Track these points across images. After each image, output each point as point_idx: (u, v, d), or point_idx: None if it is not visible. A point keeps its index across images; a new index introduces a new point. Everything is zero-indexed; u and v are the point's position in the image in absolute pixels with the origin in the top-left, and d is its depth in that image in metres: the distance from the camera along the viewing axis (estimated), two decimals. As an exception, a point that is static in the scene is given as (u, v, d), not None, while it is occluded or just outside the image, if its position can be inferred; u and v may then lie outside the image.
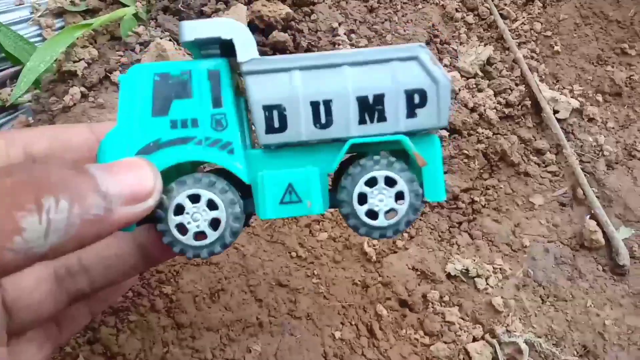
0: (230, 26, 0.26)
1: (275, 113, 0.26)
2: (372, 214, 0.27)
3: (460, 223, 0.57)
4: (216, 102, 0.27)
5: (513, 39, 0.64)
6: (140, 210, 0.25)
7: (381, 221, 0.27)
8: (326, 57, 0.26)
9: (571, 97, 0.62)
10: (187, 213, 0.27)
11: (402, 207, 0.27)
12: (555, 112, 0.61)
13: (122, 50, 0.58)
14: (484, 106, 0.60)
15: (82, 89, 0.54)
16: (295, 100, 0.26)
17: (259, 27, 0.61)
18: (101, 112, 0.53)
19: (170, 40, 0.58)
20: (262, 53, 0.59)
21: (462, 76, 0.62)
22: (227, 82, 0.27)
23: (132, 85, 0.27)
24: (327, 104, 0.26)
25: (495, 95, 0.61)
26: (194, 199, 0.27)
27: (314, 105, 0.26)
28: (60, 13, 0.63)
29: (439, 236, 0.57)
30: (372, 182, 0.27)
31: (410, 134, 0.27)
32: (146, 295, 0.49)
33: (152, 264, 0.38)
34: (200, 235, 0.27)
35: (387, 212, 0.27)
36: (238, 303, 0.51)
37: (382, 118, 0.26)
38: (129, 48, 0.59)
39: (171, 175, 0.27)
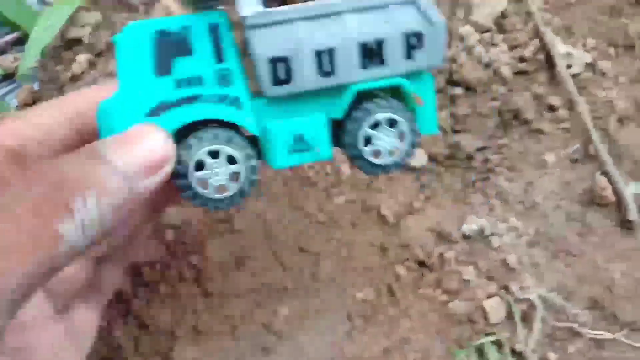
0: None
1: (281, 65, 0.26)
2: (377, 154, 0.29)
3: (474, 182, 0.58)
4: (219, 57, 0.27)
5: (527, -11, 0.63)
6: (160, 179, 0.26)
7: (385, 159, 0.29)
8: (328, 7, 0.27)
9: (584, 50, 0.62)
10: (208, 168, 0.27)
11: (403, 145, 0.29)
12: (569, 66, 0.61)
13: (126, 12, 0.56)
14: (498, 62, 0.59)
15: (89, 56, 0.52)
16: (300, 51, 0.26)
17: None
18: (112, 83, 0.52)
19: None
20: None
21: (476, 30, 0.61)
22: (229, 35, 0.27)
23: (131, 45, 0.26)
24: (331, 52, 0.27)
25: (510, 49, 0.60)
26: (214, 154, 0.27)
27: (318, 54, 0.27)
28: (57, -28, 0.59)
29: (454, 196, 0.58)
30: (375, 125, 0.28)
31: (408, 74, 0.28)
32: (174, 267, 0.50)
33: (157, 213, 0.40)
34: (221, 188, 0.28)
35: (390, 151, 0.29)
36: (263, 269, 0.53)
37: (382, 62, 0.28)
38: (132, 9, 0.56)
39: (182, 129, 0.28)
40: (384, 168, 0.30)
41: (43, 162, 0.27)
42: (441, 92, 0.59)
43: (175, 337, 0.48)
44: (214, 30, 0.27)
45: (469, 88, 0.59)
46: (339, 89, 0.28)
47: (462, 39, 0.60)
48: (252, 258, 0.53)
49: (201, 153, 0.27)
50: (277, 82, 0.27)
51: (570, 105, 0.60)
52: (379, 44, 0.27)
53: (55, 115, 0.30)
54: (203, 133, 0.27)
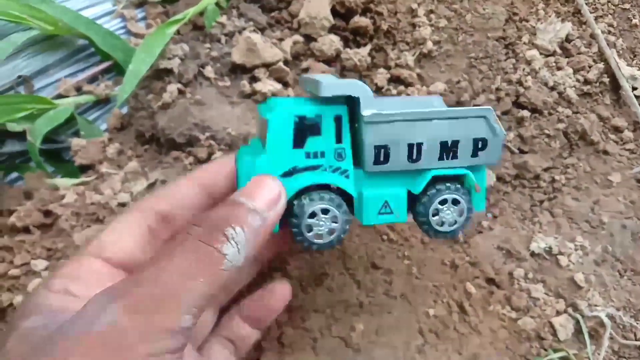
0: (358, 86, 0.35)
1: (382, 151, 0.36)
2: (441, 224, 0.38)
3: (541, 202, 0.60)
4: (338, 139, 0.36)
5: (590, 12, 0.64)
6: (279, 210, 0.34)
7: (446, 228, 0.38)
8: (422, 114, 0.36)
9: (649, 72, 0.63)
10: (317, 219, 0.36)
11: (461, 219, 0.38)
12: (634, 89, 0.62)
13: (209, 42, 0.60)
14: (563, 85, 0.61)
15: (179, 85, 0.56)
16: (396, 142, 0.36)
17: (340, 12, 0.62)
18: (201, 109, 0.55)
19: (255, 31, 0.59)
20: (343, 38, 0.61)
21: (541, 54, 0.63)
22: (347, 125, 0.36)
23: (279, 124, 0.35)
24: (419, 145, 0.36)
25: (574, 72, 0.62)
26: (325, 211, 0.36)
27: (410, 146, 0.36)
28: (140, 3, 0.64)
29: (522, 215, 0.60)
30: (443, 202, 0.37)
31: (471, 168, 0.37)
32: (259, 283, 0.53)
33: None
34: (318, 236, 0.36)
35: (451, 222, 0.38)
36: (339, 286, 0.55)
37: (455, 156, 0.37)
38: (214, 39, 0.60)
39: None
40: (445, 235, 0.38)
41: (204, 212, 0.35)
42: (508, 114, 0.61)
43: (262, 349, 0.52)
44: (337, 119, 0.36)
45: (535, 110, 0.61)
46: (420, 172, 0.37)
47: (527, 62, 0.62)
48: (329, 276, 0.55)
49: (317, 207, 0.36)
50: (377, 162, 0.36)
51: (635, 126, 0.61)
52: (455, 143, 0.36)
53: (191, 186, 0.40)
54: (323, 193, 0.36)
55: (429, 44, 0.61)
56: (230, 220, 0.31)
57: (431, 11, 0.63)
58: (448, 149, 0.36)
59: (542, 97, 0.60)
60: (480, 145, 0.37)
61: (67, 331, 0.27)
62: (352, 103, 0.36)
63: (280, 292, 0.46)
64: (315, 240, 0.37)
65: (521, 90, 0.60)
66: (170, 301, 0.27)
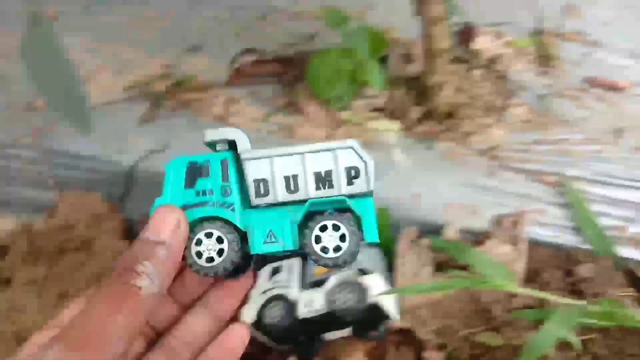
0: (235, 131, 0.41)
1: (261, 184, 0.40)
2: (324, 249, 0.39)
3: None
4: (224, 178, 0.41)
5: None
6: (182, 236, 0.39)
7: (331, 255, 0.39)
8: (295, 149, 0.40)
9: None
10: (203, 244, 0.40)
11: (345, 244, 0.39)
12: None
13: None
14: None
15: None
16: (274, 176, 0.40)
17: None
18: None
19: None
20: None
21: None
22: (233, 166, 0.41)
23: (174, 170, 0.41)
24: (295, 177, 0.40)
25: None
26: (209, 235, 0.40)
27: (286, 178, 0.40)
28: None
29: None
30: (323, 228, 0.39)
31: (351, 196, 0.40)
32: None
33: None
34: (209, 260, 0.39)
35: (334, 248, 0.39)
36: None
37: (330, 186, 0.40)
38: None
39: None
40: (335, 261, 0.39)
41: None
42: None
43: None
44: (224, 162, 0.41)
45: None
46: (301, 203, 0.40)
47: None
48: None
49: (200, 234, 0.40)
50: (258, 195, 0.40)
51: None
52: (328, 173, 0.40)
53: None
54: (207, 223, 0.40)
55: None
56: (140, 257, 0.36)
57: None
58: (323, 179, 0.40)
59: None
60: (353, 174, 0.40)
61: None
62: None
63: (238, 334, 0.45)
64: (207, 265, 0.40)
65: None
66: (100, 335, 0.32)
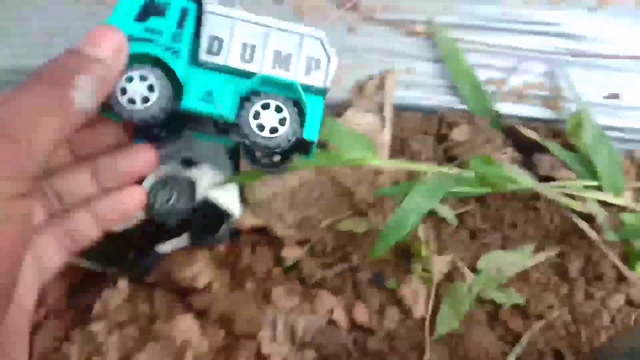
0: None
1: (215, 41, 0.37)
2: (260, 127, 0.37)
3: None
4: (179, 26, 0.38)
5: None
6: (122, 59, 0.35)
7: (266, 133, 0.37)
8: (264, 19, 0.38)
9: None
10: (133, 84, 0.36)
11: (283, 128, 0.37)
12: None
13: None
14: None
15: None
16: (232, 38, 0.38)
17: None
18: None
19: None
20: None
21: None
22: (192, 17, 0.38)
23: (130, 2, 0.38)
24: (253, 47, 0.38)
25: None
26: (143, 78, 0.36)
27: (244, 45, 0.38)
28: None
29: None
30: (266, 106, 0.37)
31: (304, 89, 0.38)
32: None
33: None
34: (131, 100, 0.36)
35: (271, 129, 0.37)
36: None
37: (287, 69, 0.38)
38: None
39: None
40: (267, 141, 0.37)
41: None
42: None
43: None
44: (184, 10, 0.38)
45: None
46: (251, 75, 0.37)
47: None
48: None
49: (135, 73, 0.36)
50: (210, 52, 0.37)
51: None
52: (288, 55, 0.38)
53: None
54: (147, 65, 0.37)
55: None
56: (76, 70, 0.32)
57: None
58: (281, 60, 0.38)
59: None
60: (313, 65, 0.38)
61: None
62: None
63: (136, 194, 0.43)
64: (127, 106, 0.36)
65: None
66: (29, 131, 0.30)
